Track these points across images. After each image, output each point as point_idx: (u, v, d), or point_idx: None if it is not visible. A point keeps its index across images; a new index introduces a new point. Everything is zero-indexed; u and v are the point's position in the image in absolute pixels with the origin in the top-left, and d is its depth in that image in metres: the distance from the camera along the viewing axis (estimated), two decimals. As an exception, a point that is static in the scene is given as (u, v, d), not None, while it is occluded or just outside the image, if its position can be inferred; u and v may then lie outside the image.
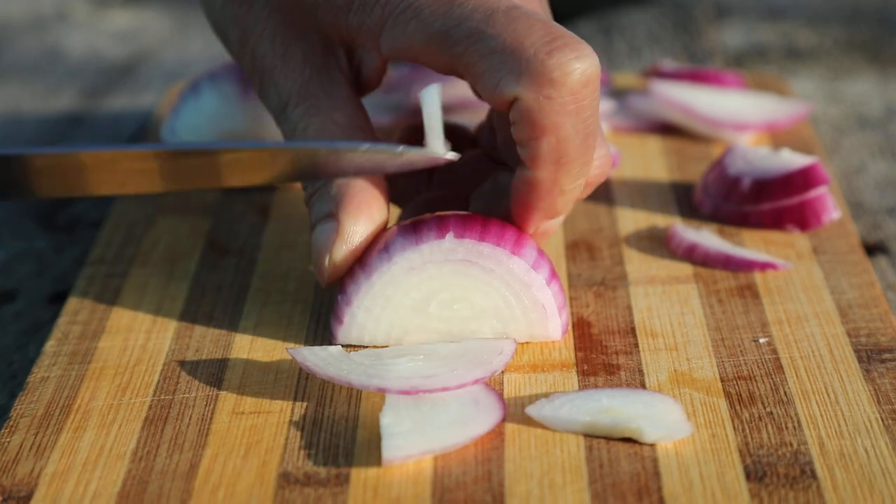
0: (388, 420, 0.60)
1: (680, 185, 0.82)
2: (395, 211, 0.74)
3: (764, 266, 0.73)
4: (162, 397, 0.64)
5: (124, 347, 0.68)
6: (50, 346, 0.68)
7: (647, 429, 0.60)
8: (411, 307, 0.66)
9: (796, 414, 0.62)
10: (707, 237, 0.75)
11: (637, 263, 0.74)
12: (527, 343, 0.67)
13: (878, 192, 0.88)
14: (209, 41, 1.15)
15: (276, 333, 0.69)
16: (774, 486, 0.58)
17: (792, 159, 0.78)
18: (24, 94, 1.07)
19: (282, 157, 0.65)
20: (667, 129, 0.89)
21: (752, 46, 1.12)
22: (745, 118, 0.88)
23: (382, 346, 0.66)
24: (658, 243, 0.76)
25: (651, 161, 0.85)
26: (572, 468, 0.59)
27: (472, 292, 0.65)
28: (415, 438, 0.59)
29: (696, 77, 0.93)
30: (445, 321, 0.66)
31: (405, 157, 0.65)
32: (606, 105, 0.89)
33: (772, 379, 0.64)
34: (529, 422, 0.62)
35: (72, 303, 0.72)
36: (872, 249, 0.82)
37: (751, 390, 0.64)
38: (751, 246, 0.76)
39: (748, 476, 0.58)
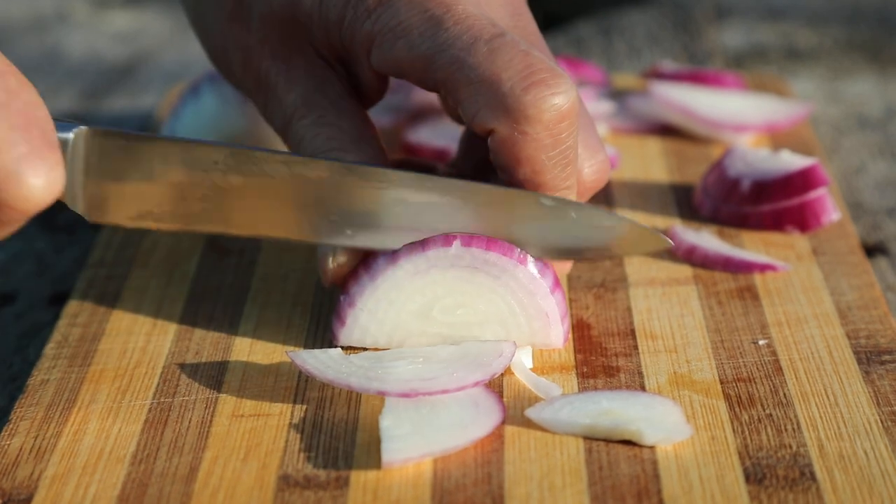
0: (387, 423, 0.60)
1: (680, 186, 0.82)
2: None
3: (763, 267, 0.73)
4: (162, 400, 0.64)
5: (124, 350, 0.68)
6: (50, 348, 0.68)
7: (646, 431, 0.60)
8: (415, 311, 0.66)
9: (796, 416, 0.62)
10: (707, 239, 0.75)
11: (637, 265, 0.74)
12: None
13: (877, 192, 0.88)
14: (209, 42, 1.15)
15: (275, 335, 0.69)
16: (774, 489, 0.58)
17: (792, 161, 0.78)
18: (24, 95, 1.07)
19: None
20: (666, 131, 0.89)
21: (751, 47, 1.12)
22: (744, 119, 0.88)
23: (384, 349, 0.66)
24: (658, 245, 0.76)
25: (651, 162, 0.85)
26: (572, 470, 0.59)
27: (476, 298, 0.65)
28: (414, 441, 0.59)
29: (695, 78, 0.93)
30: (448, 326, 0.66)
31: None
32: (606, 106, 0.89)
33: (771, 381, 0.64)
34: (529, 424, 0.62)
35: (72, 305, 0.72)
36: (872, 250, 0.82)
37: (750, 392, 0.64)
38: (750, 247, 0.76)
39: (748, 478, 0.58)
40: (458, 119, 0.74)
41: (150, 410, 0.64)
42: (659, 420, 0.61)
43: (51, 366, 0.67)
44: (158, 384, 0.65)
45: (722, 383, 0.64)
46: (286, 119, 0.69)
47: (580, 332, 0.68)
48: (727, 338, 0.68)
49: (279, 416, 0.63)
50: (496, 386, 0.64)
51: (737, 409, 0.63)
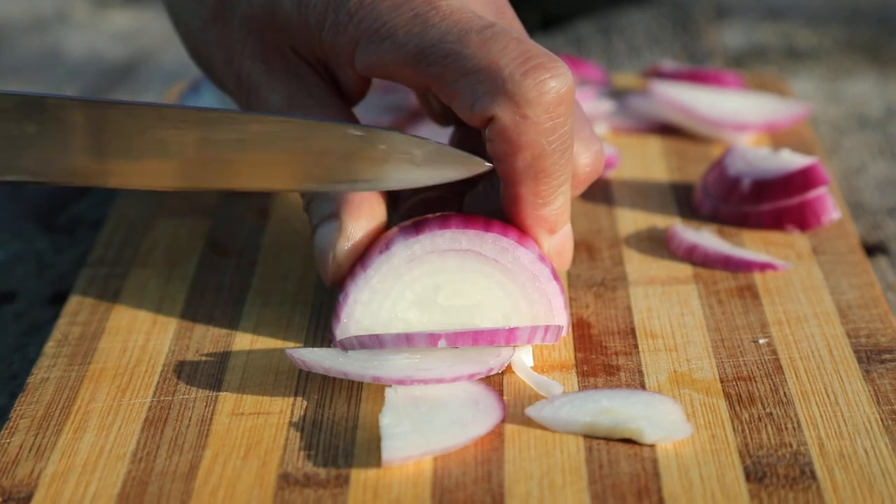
0: (387, 421, 0.60)
1: (680, 185, 0.82)
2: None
3: (764, 266, 0.73)
4: (162, 398, 0.64)
5: (124, 348, 0.68)
6: (50, 347, 0.68)
7: (646, 429, 0.60)
8: (412, 301, 0.65)
9: (796, 415, 0.62)
10: (707, 238, 0.75)
11: (637, 264, 0.74)
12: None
13: (878, 192, 0.88)
14: (209, 42, 1.15)
15: (275, 334, 0.69)
16: (774, 487, 0.58)
17: (792, 160, 0.78)
18: (24, 94, 1.07)
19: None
20: (666, 130, 0.89)
21: (751, 47, 1.12)
22: (744, 118, 0.88)
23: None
24: (658, 244, 0.76)
25: (651, 161, 0.85)
26: (572, 469, 0.59)
27: (475, 285, 0.65)
28: (414, 439, 0.59)
29: (695, 77, 0.93)
30: (447, 314, 0.66)
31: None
32: (606, 105, 0.89)
33: (771, 380, 0.64)
34: (529, 423, 0.62)
35: (72, 303, 0.72)
36: (872, 250, 0.82)
37: (750, 391, 0.64)
38: (750, 246, 0.76)
39: (748, 477, 0.58)
40: (441, 120, 0.74)
41: (150, 409, 0.64)
42: (659, 418, 0.61)
43: (51, 364, 0.67)
44: (158, 382, 0.65)
45: (722, 382, 0.64)
46: None
47: (580, 330, 0.68)
48: (727, 336, 0.68)
49: (279, 414, 0.63)
50: (496, 384, 0.64)
51: (737, 408, 0.63)
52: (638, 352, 0.67)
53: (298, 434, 0.61)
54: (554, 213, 0.66)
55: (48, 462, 0.60)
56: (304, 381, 0.65)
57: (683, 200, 0.81)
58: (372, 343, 0.65)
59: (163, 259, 0.75)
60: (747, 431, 0.61)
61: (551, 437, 0.61)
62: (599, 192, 0.81)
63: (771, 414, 0.62)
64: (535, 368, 0.65)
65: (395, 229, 0.67)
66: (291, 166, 0.64)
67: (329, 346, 0.67)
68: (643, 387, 0.64)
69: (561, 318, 0.66)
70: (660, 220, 0.79)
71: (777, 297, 0.71)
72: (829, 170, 0.81)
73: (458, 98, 0.64)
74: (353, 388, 0.64)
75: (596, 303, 0.71)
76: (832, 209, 0.77)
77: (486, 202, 0.69)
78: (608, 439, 0.60)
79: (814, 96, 1.02)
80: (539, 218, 0.66)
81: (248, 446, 0.61)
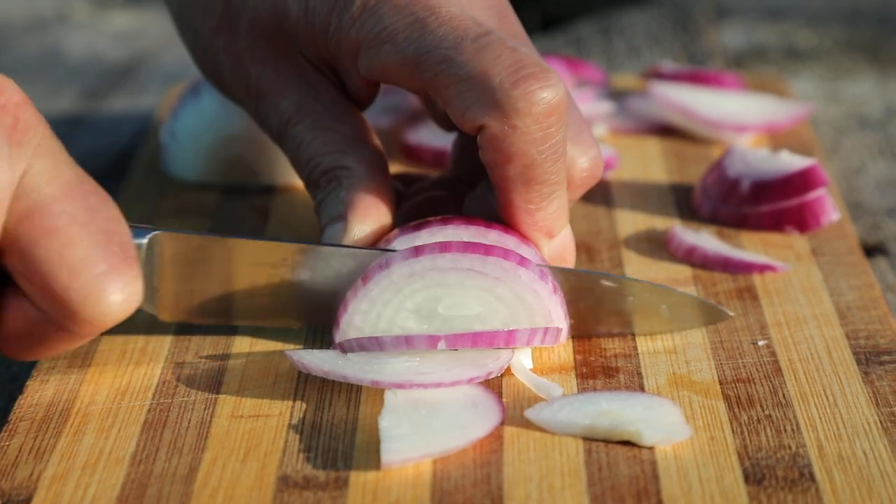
0: (386, 423, 0.60)
1: (679, 186, 0.82)
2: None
3: (763, 268, 0.73)
4: (161, 401, 0.64)
5: (123, 351, 0.68)
6: (49, 349, 0.68)
7: (645, 432, 0.60)
8: (412, 310, 0.65)
9: (795, 416, 0.62)
10: (706, 239, 0.75)
11: (636, 265, 0.74)
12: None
13: (877, 192, 0.88)
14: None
15: (275, 337, 0.69)
16: (773, 489, 0.58)
17: (791, 161, 0.78)
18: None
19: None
20: (666, 131, 0.89)
21: (751, 47, 1.12)
22: (744, 119, 0.88)
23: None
24: (657, 245, 0.76)
25: (650, 163, 0.85)
26: (571, 471, 0.59)
27: (475, 299, 0.65)
28: (414, 442, 0.59)
29: (695, 78, 0.93)
30: (446, 323, 0.65)
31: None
32: (606, 106, 0.89)
33: (770, 381, 0.64)
34: (528, 425, 0.62)
35: (71, 306, 0.72)
36: (872, 251, 0.82)
37: (749, 393, 0.64)
38: (750, 248, 0.76)
39: (747, 479, 0.58)
40: (444, 124, 0.74)
41: (149, 411, 0.64)
42: (658, 421, 0.61)
43: (50, 366, 0.67)
44: (157, 385, 0.65)
45: (721, 384, 0.64)
46: (281, 124, 0.69)
47: (579, 332, 0.68)
48: (726, 338, 0.68)
49: (278, 416, 0.63)
50: (495, 387, 0.64)
51: (736, 410, 0.63)
52: (637, 354, 0.67)
53: (298, 436, 0.61)
54: (549, 218, 0.66)
55: (47, 464, 0.60)
56: (304, 384, 0.65)
57: (683, 202, 0.81)
58: (371, 345, 0.65)
59: (162, 261, 0.75)
60: (746, 433, 0.61)
61: (550, 440, 0.61)
62: (599, 194, 0.81)
63: (770, 416, 0.62)
64: (534, 371, 0.65)
65: (395, 231, 0.67)
66: None
67: (328, 349, 0.66)
68: (642, 389, 0.64)
69: (561, 327, 0.66)
70: (659, 222, 0.79)
71: (776, 299, 0.71)
72: (828, 170, 0.81)
73: (451, 104, 0.64)
74: (352, 391, 0.64)
75: (595, 304, 0.71)
76: (831, 210, 0.77)
77: (486, 205, 0.69)
78: (607, 441, 0.60)
79: (814, 96, 1.02)
80: (534, 223, 0.66)
81: (248, 449, 0.61)
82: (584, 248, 0.75)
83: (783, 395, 0.63)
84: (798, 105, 0.90)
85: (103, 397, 0.65)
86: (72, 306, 0.57)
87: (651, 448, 0.60)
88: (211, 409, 0.63)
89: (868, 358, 0.66)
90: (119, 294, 0.58)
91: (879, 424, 0.61)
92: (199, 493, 0.58)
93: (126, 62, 1.14)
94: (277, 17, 0.69)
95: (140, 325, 0.69)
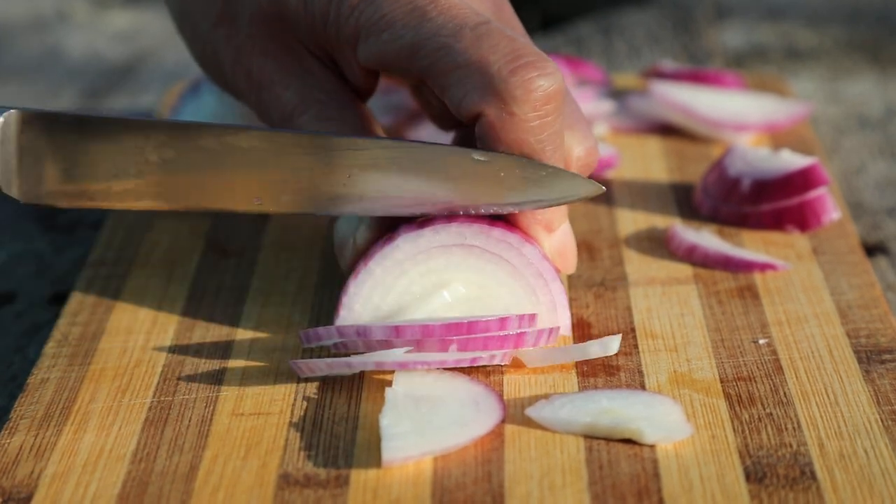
0: (387, 421, 0.60)
1: (680, 185, 0.82)
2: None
3: (764, 267, 0.73)
4: (162, 399, 0.64)
5: (124, 349, 0.68)
6: (50, 347, 0.68)
7: (646, 430, 0.60)
8: (417, 295, 0.65)
9: (796, 415, 0.62)
10: (707, 238, 0.75)
11: (637, 264, 0.74)
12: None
13: (878, 192, 0.88)
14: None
15: (276, 334, 0.69)
16: (774, 488, 0.58)
17: (792, 160, 0.78)
18: (24, 94, 1.07)
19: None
20: (667, 130, 0.89)
21: (752, 47, 1.12)
22: (744, 119, 0.88)
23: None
24: (658, 244, 0.76)
25: (651, 162, 0.85)
26: (572, 469, 0.59)
27: (479, 281, 0.65)
28: (414, 439, 0.59)
29: (695, 78, 0.93)
30: (451, 310, 0.66)
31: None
32: (606, 106, 0.89)
33: (771, 380, 0.64)
34: (529, 423, 0.62)
35: (72, 304, 0.72)
36: (872, 250, 0.82)
37: (750, 391, 0.64)
38: (750, 247, 0.76)
39: (748, 477, 0.58)
40: (441, 122, 0.74)
41: (150, 409, 0.64)
42: (659, 419, 0.61)
43: (51, 364, 0.67)
44: (158, 383, 0.65)
45: (722, 382, 0.64)
46: (285, 115, 0.69)
47: (580, 330, 0.68)
48: (727, 337, 0.68)
49: (279, 414, 0.63)
50: (496, 384, 0.64)
51: (737, 408, 0.63)
52: (638, 352, 0.67)
53: (298, 434, 0.61)
54: (548, 210, 0.66)
55: (48, 462, 0.60)
56: (304, 382, 0.65)
57: (683, 201, 0.81)
58: (368, 333, 0.64)
59: (163, 259, 0.75)
60: (747, 432, 0.61)
61: (551, 438, 0.61)
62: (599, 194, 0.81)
63: (771, 414, 0.62)
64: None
65: (400, 228, 0.67)
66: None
67: (328, 351, 0.66)
68: (643, 387, 0.64)
69: (564, 315, 0.66)
70: (660, 221, 0.79)
71: (777, 298, 0.71)
72: (829, 170, 0.81)
73: (449, 92, 0.65)
74: (353, 389, 0.64)
75: (596, 303, 0.71)
76: (832, 209, 0.77)
77: None
78: (608, 440, 0.60)
79: (814, 96, 1.02)
80: (533, 216, 0.66)
81: (249, 447, 0.61)
82: (584, 247, 0.75)
83: (784, 393, 0.64)
84: (798, 105, 0.90)
85: (104, 395, 0.65)
86: None
87: (652, 446, 0.60)
88: (212, 407, 0.63)
89: (869, 356, 0.66)
90: None
91: (880, 423, 0.61)
92: (199, 491, 0.58)
93: (126, 62, 1.14)
94: (277, 7, 0.69)
95: (141, 325, 0.70)
